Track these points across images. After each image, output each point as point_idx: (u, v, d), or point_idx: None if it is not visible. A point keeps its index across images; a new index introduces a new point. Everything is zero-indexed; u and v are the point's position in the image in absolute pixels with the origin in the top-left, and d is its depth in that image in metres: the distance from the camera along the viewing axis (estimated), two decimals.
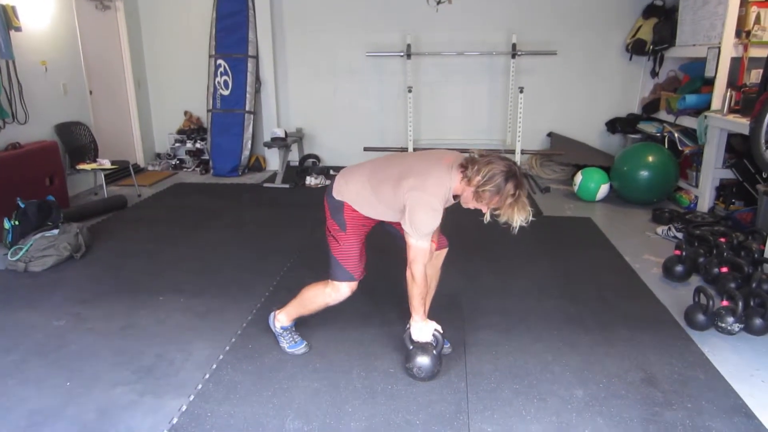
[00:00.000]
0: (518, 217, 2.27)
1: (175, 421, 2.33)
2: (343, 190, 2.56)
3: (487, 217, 2.36)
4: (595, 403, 2.45)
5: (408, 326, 2.64)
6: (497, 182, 2.22)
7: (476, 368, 2.71)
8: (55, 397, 2.49)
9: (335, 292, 2.64)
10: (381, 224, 2.66)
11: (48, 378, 2.64)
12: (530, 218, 2.30)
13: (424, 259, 2.43)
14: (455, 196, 2.43)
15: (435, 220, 2.37)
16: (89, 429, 2.29)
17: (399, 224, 2.69)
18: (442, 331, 2.61)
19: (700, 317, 3.08)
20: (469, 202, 2.38)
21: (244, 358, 2.80)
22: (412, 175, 2.39)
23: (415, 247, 2.40)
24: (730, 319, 3.00)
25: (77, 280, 3.76)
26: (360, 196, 2.52)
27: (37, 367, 2.73)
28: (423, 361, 2.57)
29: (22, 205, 4.23)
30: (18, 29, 4.96)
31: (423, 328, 2.58)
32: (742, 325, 3.02)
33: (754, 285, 3.28)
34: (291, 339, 2.86)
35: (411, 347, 2.62)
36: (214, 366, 2.73)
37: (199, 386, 2.57)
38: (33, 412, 2.39)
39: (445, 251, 2.83)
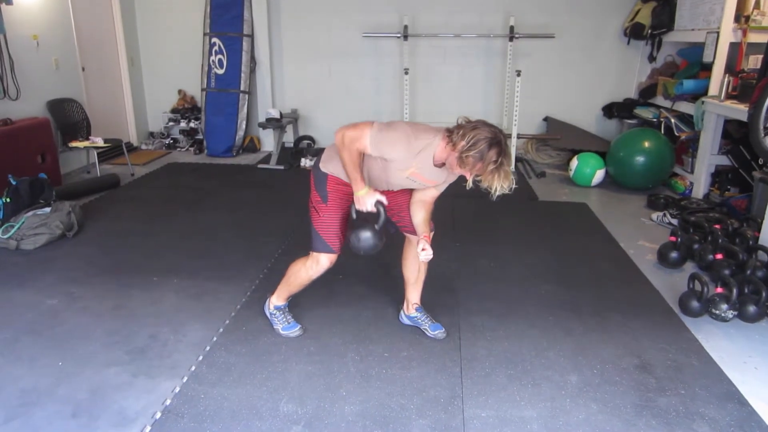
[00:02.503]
0: (499, 184, 2.23)
1: (168, 402, 2.32)
2: (329, 162, 2.58)
3: (470, 184, 2.32)
4: (589, 389, 2.46)
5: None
6: (480, 148, 2.19)
7: (471, 353, 2.71)
8: (47, 377, 2.47)
9: (315, 264, 2.64)
10: None
11: (40, 357, 2.62)
12: (513, 186, 2.26)
13: (356, 143, 2.40)
14: (439, 165, 2.39)
15: (400, 142, 2.34)
16: (81, 409, 2.28)
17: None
18: (385, 203, 2.50)
19: (695, 304, 3.09)
20: (454, 167, 2.33)
21: (238, 340, 2.79)
22: None
23: (362, 131, 2.39)
24: (724, 306, 3.02)
25: (70, 259, 3.73)
26: None
27: (30, 346, 2.71)
28: (363, 232, 2.50)
29: (14, 183, 4.18)
30: (9, 2, 4.86)
31: (362, 198, 2.47)
32: (735, 312, 3.03)
33: (748, 272, 3.28)
34: (284, 320, 2.85)
35: (354, 218, 2.55)
36: (208, 348, 2.72)
37: (193, 368, 2.56)
38: (25, 391, 2.38)
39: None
